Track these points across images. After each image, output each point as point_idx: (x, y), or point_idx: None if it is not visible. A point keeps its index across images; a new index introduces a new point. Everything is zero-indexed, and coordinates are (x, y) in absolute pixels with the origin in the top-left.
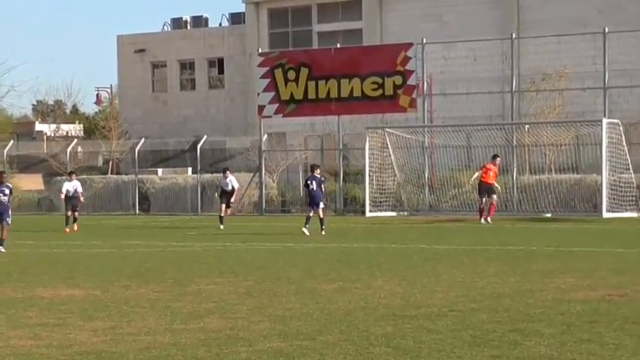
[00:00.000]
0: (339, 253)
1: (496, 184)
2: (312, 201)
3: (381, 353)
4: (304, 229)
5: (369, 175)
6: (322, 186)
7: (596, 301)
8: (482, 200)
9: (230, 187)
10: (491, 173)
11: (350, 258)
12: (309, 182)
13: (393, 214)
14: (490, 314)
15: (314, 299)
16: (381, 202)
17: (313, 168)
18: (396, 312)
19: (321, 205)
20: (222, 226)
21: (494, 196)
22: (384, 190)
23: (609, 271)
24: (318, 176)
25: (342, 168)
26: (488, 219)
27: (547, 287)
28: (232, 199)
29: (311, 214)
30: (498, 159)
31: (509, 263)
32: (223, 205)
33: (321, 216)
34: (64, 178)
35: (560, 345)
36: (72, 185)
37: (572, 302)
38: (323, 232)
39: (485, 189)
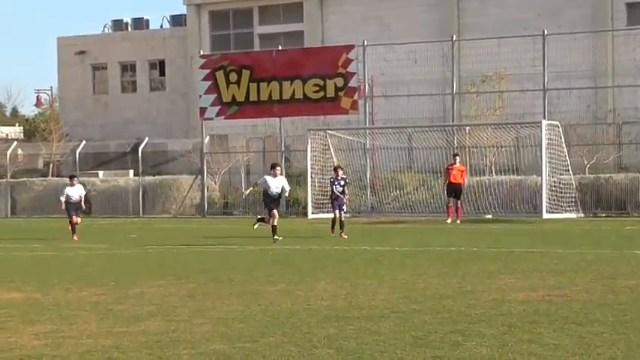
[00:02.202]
0: (282, 255)
1: (464, 182)
2: (339, 203)
3: (323, 355)
4: (332, 233)
5: (311, 177)
6: (345, 188)
7: (536, 302)
8: (449, 200)
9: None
10: (455, 172)
11: (292, 260)
12: (336, 184)
13: None
14: (432, 315)
15: (256, 301)
16: (323, 203)
17: (337, 169)
18: (338, 314)
19: (344, 207)
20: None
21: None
22: (326, 192)
23: (549, 272)
24: (345, 177)
25: (284, 170)
26: (458, 220)
27: (488, 288)
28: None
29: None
30: (457, 157)
31: (450, 264)
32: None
33: (343, 219)
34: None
35: (501, 345)
36: (74, 190)
37: (512, 303)
38: (345, 235)
39: (451, 189)
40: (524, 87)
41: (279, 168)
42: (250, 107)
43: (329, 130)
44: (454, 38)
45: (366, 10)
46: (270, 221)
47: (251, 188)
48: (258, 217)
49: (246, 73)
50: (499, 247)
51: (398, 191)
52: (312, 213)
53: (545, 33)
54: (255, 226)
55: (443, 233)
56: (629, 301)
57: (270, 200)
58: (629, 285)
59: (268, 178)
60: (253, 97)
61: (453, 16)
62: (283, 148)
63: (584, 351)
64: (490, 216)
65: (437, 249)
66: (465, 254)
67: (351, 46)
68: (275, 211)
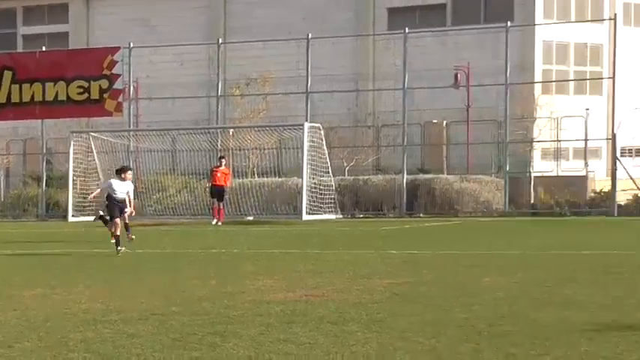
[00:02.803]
0: (39, 259)
1: (227, 185)
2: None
3: (79, 359)
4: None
5: (73, 180)
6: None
7: (293, 302)
8: (213, 201)
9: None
10: (219, 174)
11: (51, 264)
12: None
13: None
14: (190, 317)
15: (12, 306)
16: (84, 206)
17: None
18: (96, 317)
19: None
20: None
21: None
22: (88, 194)
23: (307, 273)
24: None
25: (45, 172)
26: (219, 222)
27: (247, 289)
28: None
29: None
30: (223, 160)
31: (210, 266)
32: None
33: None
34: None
35: (258, 346)
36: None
37: (270, 303)
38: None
39: (214, 192)
40: (288, 90)
41: (130, 172)
42: (11, 109)
43: (92, 132)
44: (220, 41)
45: (132, 12)
46: (113, 230)
47: (95, 193)
48: (100, 213)
49: (7, 74)
50: (259, 249)
51: (160, 193)
52: (73, 216)
53: (310, 37)
54: (94, 220)
55: (204, 235)
56: (382, 299)
57: (114, 206)
58: (384, 284)
59: (115, 182)
60: (15, 98)
61: (220, 19)
62: (44, 151)
63: (338, 349)
64: (251, 218)
65: (198, 251)
66: (225, 256)
67: (117, 48)
68: (118, 220)
